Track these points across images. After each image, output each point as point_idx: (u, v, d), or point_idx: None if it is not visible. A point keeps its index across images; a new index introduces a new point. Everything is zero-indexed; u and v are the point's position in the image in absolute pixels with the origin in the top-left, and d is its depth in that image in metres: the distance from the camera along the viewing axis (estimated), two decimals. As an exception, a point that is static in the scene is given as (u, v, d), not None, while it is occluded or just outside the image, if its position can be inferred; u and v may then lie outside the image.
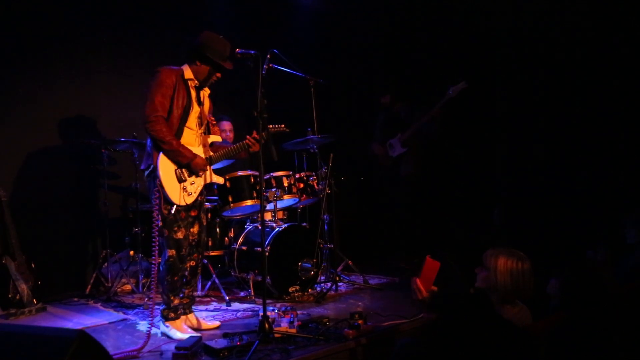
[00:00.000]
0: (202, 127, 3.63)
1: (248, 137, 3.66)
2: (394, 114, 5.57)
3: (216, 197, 4.57)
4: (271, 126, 3.71)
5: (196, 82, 3.56)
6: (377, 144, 5.62)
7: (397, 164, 5.48)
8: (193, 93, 3.53)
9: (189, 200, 3.51)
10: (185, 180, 3.48)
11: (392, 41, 6.48)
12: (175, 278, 3.50)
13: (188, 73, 3.53)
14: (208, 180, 3.63)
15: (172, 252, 3.46)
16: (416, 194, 5.58)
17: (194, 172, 3.50)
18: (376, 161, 5.64)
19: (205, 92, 3.68)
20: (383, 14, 6.32)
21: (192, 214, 3.56)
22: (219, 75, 3.58)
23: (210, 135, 3.67)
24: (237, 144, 3.69)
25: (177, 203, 3.44)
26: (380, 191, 5.71)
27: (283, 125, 3.88)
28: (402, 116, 5.53)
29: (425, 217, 5.86)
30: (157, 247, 3.39)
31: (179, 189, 3.46)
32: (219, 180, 3.73)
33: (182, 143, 3.47)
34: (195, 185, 3.54)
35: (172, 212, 3.44)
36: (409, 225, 5.54)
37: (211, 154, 3.64)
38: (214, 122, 3.74)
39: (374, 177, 5.68)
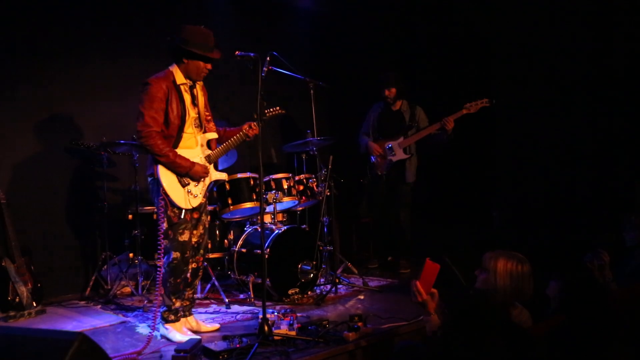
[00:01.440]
0: (201, 128, 3.60)
1: (243, 126, 3.64)
2: (396, 111, 5.44)
3: (214, 206, 4.57)
4: (267, 111, 3.65)
5: (189, 82, 3.50)
6: (372, 141, 5.45)
7: (396, 167, 5.39)
8: (187, 97, 3.47)
9: (195, 202, 3.50)
10: (188, 184, 3.47)
11: (392, 40, 6.47)
12: (178, 280, 3.50)
13: (179, 76, 3.45)
14: (212, 179, 3.62)
15: (176, 254, 3.46)
16: (416, 195, 5.55)
17: (195, 179, 3.49)
18: (368, 158, 5.53)
19: (199, 85, 3.60)
20: (383, 15, 6.32)
21: (195, 215, 3.56)
22: (209, 67, 3.49)
23: (207, 134, 3.63)
24: (235, 136, 3.65)
25: (184, 207, 3.44)
26: (379, 193, 5.66)
27: (279, 108, 3.82)
28: (405, 117, 5.43)
29: (425, 219, 5.85)
30: (162, 251, 3.38)
31: (184, 193, 3.45)
32: (222, 176, 3.71)
33: (181, 147, 3.46)
34: (199, 186, 3.53)
35: (182, 216, 3.43)
36: (408, 227, 5.51)
37: (209, 152, 3.61)
38: (209, 117, 3.69)
39: (372, 178, 5.64)
